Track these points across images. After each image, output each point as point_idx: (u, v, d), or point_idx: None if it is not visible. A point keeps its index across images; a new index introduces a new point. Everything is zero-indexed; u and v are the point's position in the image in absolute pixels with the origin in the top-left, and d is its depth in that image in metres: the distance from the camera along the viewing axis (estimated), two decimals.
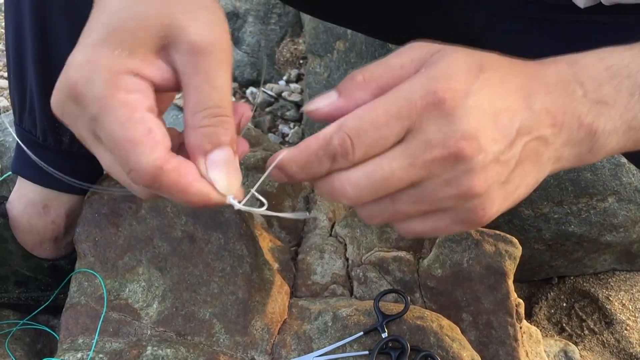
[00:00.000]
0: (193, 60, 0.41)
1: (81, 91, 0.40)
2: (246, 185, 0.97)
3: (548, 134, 0.42)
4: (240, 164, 0.95)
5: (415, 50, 0.43)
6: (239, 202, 0.43)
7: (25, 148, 0.77)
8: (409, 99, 0.39)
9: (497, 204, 0.42)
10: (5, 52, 1.71)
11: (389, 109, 0.39)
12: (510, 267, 0.84)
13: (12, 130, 0.81)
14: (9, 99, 1.59)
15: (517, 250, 0.85)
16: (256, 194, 0.45)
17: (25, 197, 0.82)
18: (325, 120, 0.43)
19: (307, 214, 0.89)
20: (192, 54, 0.41)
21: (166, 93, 0.45)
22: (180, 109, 1.58)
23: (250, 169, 0.96)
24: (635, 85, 0.44)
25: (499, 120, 0.40)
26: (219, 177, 0.42)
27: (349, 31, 1.27)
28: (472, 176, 0.40)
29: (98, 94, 0.39)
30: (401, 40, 1.13)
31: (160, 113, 0.45)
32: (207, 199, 0.41)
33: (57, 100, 0.43)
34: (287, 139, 1.57)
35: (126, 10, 0.41)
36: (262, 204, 0.45)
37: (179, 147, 0.46)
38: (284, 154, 0.41)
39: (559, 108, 0.43)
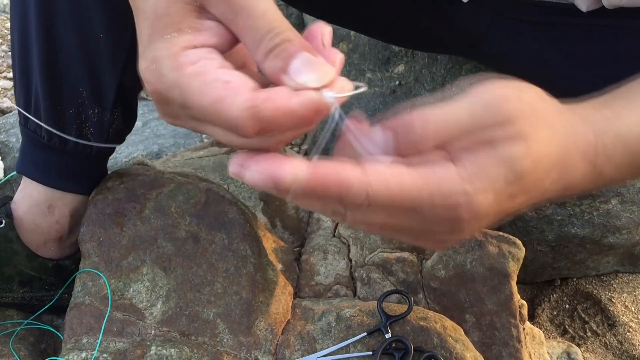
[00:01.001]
0: (226, 5, 0.40)
1: (162, 93, 0.40)
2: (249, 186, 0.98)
3: (553, 196, 0.44)
4: None
5: (488, 113, 0.41)
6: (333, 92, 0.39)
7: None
8: (432, 213, 0.39)
9: (467, 236, 0.44)
10: (9, 53, 1.71)
11: (415, 203, 0.39)
12: (514, 269, 0.84)
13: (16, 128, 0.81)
14: (13, 99, 1.59)
15: (521, 252, 0.86)
16: (351, 82, 0.40)
17: (30, 197, 0.82)
18: None
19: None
20: (224, 1, 0.40)
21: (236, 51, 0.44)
22: None
23: None
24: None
25: (505, 208, 0.41)
26: (309, 77, 0.38)
27: (352, 32, 1.27)
28: (462, 233, 0.41)
29: (171, 81, 0.39)
30: (404, 42, 1.13)
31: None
32: (314, 104, 0.37)
33: (157, 107, 0.43)
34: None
35: (156, 1, 0.41)
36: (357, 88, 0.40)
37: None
38: (297, 173, 0.37)
39: (572, 176, 0.44)
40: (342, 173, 0.37)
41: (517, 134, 0.39)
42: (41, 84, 0.75)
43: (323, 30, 0.41)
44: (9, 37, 1.76)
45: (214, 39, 0.41)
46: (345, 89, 0.39)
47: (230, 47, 0.42)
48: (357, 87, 0.40)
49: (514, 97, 0.40)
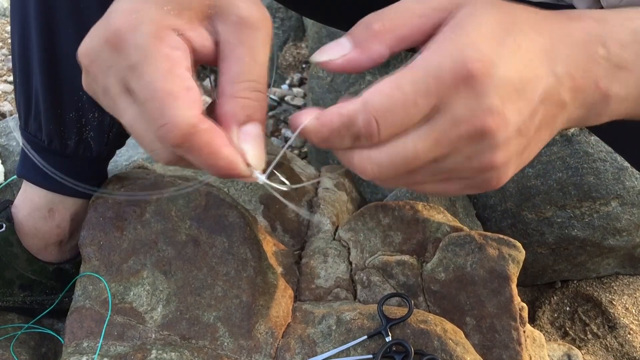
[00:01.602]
0: (239, 33, 0.41)
1: (124, 37, 0.39)
2: (249, 187, 0.97)
3: (567, 99, 0.41)
4: None
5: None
6: (262, 176, 0.43)
7: (30, 151, 0.78)
8: (438, 76, 0.37)
9: (511, 172, 0.42)
10: (9, 57, 1.72)
11: (418, 88, 0.38)
12: (514, 271, 0.84)
13: (17, 134, 0.81)
14: (13, 103, 1.60)
15: (521, 254, 0.86)
16: (277, 173, 0.44)
17: (30, 201, 0.82)
18: (337, 72, 0.41)
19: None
20: (239, 27, 0.41)
21: None
22: None
23: None
24: None
25: (525, 90, 0.39)
26: (250, 149, 0.41)
27: None
28: (495, 152, 0.39)
29: (142, 42, 0.39)
30: None
31: None
32: (234, 166, 0.40)
33: (90, 46, 0.42)
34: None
35: None
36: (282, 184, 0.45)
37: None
38: (306, 123, 0.40)
39: (579, 71, 0.41)
40: (342, 107, 0.39)
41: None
42: (41, 88, 0.75)
43: None
44: (9, 40, 1.77)
45: (198, 42, 0.42)
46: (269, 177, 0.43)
47: (201, 59, 0.43)
48: (281, 182, 0.44)
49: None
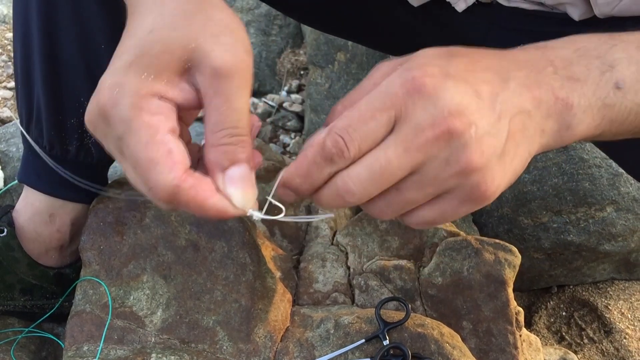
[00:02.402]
0: (214, 83, 0.43)
1: (109, 112, 0.42)
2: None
3: (529, 107, 0.43)
4: None
5: (385, 66, 0.45)
6: (259, 211, 0.46)
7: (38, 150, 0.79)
8: (389, 91, 0.41)
9: (497, 177, 0.43)
10: (8, 63, 1.72)
11: (372, 104, 0.41)
12: (510, 276, 0.85)
13: (22, 133, 0.82)
14: (13, 109, 1.60)
15: (517, 259, 0.87)
16: (274, 201, 0.47)
17: (31, 205, 0.83)
18: None
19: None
20: (213, 78, 0.43)
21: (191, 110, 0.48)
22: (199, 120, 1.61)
23: None
24: (605, 64, 0.46)
25: (481, 95, 0.41)
26: (235, 193, 0.44)
27: (349, 43, 1.28)
28: (468, 150, 0.41)
29: (124, 115, 0.42)
30: (401, 51, 1.15)
31: (186, 126, 0.48)
32: (223, 212, 0.44)
33: (90, 118, 0.45)
34: (288, 148, 1.58)
35: (153, 34, 0.43)
36: (280, 210, 0.47)
37: (199, 160, 0.48)
38: (284, 171, 0.43)
39: (533, 83, 0.44)
40: (311, 140, 0.43)
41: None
42: (43, 94, 0.76)
43: (255, 123, 0.49)
44: (9, 47, 1.78)
45: (180, 98, 0.45)
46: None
47: (190, 109, 0.46)
48: (275, 212, 0.47)
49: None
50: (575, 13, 0.71)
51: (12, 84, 1.68)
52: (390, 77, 0.42)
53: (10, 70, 1.72)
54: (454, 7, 0.80)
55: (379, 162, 0.41)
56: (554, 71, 0.45)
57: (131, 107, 0.42)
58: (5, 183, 1.23)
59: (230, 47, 0.44)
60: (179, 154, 0.43)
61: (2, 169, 1.28)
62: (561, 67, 0.45)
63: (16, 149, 1.34)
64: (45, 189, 0.81)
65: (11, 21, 1.84)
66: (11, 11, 1.84)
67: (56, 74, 0.75)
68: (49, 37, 0.73)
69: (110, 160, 0.85)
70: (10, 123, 1.50)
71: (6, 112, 1.57)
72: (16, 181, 1.15)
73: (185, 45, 0.43)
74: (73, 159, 0.79)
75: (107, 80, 0.43)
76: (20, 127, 0.80)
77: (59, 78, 0.75)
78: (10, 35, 1.81)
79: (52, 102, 0.76)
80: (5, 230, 0.81)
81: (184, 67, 0.44)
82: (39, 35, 0.73)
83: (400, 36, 0.95)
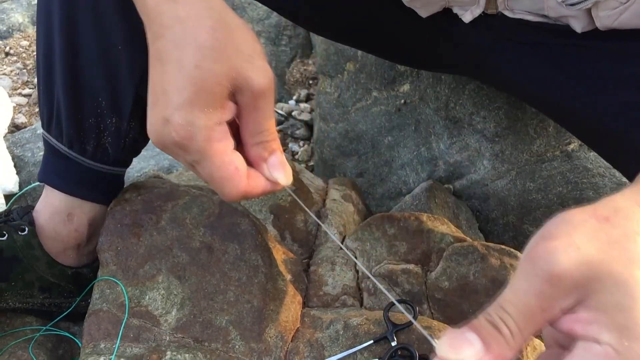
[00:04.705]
0: (254, 101, 0.55)
1: (187, 145, 0.53)
2: (260, 198, 1.01)
3: None
4: None
5: (555, 283, 0.38)
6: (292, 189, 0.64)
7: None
8: None
9: None
10: (23, 70, 1.76)
11: None
12: None
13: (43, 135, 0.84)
14: (28, 115, 1.64)
15: None
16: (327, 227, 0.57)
17: (51, 205, 0.85)
18: None
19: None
20: (253, 97, 0.54)
21: None
22: None
23: None
24: None
25: None
26: (279, 175, 0.59)
27: (359, 53, 1.31)
28: None
29: (200, 147, 0.53)
30: (408, 61, 1.17)
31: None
32: (273, 189, 0.59)
33: (162, 142, 0.54)
34: (297, 156, 1.61)
35: (201, 70, 0.51)
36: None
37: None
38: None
39: None
40: None
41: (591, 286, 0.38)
42: (63, 94, 0.79)
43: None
44: (24, 54, 1.82)
45: (231, 115, 0.55)
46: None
47: (233, 120, 0.56)
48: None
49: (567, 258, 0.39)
50: (578, 25, 0.73)
51: (27, 90, 1.72)
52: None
53: (25, 78, 1.75)
54: (460, 19, 0.83)
55: None
56: None
57: (204, 140, 0.52)
58: (21, 187, 1.26)
59: (262, 70, 0.54)
60: (242, 168, 0.55)
61: (17, 174, 1.31)
62: None
63: (31, 154, 1.37)
64: (64, 187, 0.84)
65: (26, 29, 1.88)
66: (26, 20, 1.89)
67: (76, 74, 0.78)
68: (69, 38, 0.77)
69: (126, 161, 0.88)
70: (26, 129, 1.53)
71: (21, 118, 1.60)
72: (32, 185, 1.18)
73: (229, 75, 0.52)
74: (90, 158, 0.82)
75: (176, 117, 0.52)
76: (42, 131, 0.84)
77: (79, 78, 0.78)
78: (25, 43, 1.85)
79: (71, 102, 0.79)
80: (27, 229, 0.84)
81: (230, 92, 0.53)
82: (60, 36, 0.77)
83: (408, 46, 0.97)
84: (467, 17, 0.82)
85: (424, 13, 0.85)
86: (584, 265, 0.36)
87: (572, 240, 0.37)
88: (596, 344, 0.36)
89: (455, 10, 0.83)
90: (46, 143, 0.84)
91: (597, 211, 0.39)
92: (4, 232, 0.83)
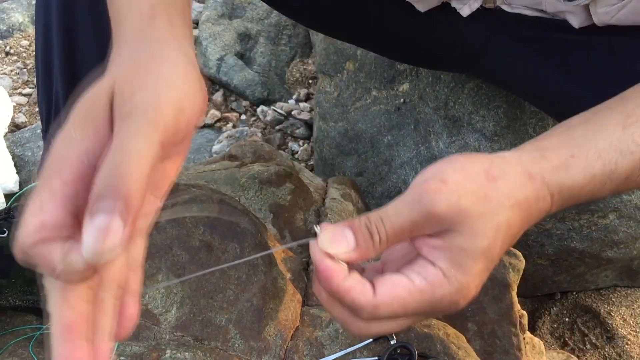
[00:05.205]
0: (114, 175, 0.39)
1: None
2: (259, 196, 1.01)
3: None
4: (255, 177, 0.99)
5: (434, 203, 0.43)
6: None
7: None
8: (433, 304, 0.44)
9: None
10: (24, 70, 1.76)
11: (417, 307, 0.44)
12: (514, 279, 0.88)
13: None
14: (28, 115, 1.64)
15: (521, 263, 0.89)
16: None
17: None
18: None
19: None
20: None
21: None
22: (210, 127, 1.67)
23: (264, 183, 1.00)
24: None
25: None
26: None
27: (358, 52, 1.31)
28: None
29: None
30: (406, 58, 1.17)
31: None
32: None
33: None
34: (296, 156, 1.61)
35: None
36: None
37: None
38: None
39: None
40: (352, 290, 0.44)
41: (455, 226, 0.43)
42: (62, 89, 0.79)
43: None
44: (24, 54, 1.82)
45: None
46: None
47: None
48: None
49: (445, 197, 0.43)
50: (575, 21, 0.74)
51: (27, 90, 1.72)
52: (443, 293, 0.43)
53: (26, 77, 1.75)
54: (459, 13, 0.83)
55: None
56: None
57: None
58: (21, 186, 1.27)
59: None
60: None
61: (17, 173, 1.32)
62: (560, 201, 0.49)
63: (31, 153, 1.37)
64: None
65: (26, 29, 1.88)
66: (26, 19, 1.89)
67: (74, 69, 0.78)
68: (68, 33, 0.77)
69: None
70: (26, 128, 1.53)
71: (21, 118, 1.61)
72: (32, 184, 1.19)
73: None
74: None
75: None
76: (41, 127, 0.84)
77: (77, 73, 0.78)
78: (25, 42, 1.85)
79: (70, 97, 0.79)
80: None
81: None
82: (59, 31, 0.77)
83: (406, 41, 0.97)
84: (465, 10, 0.82)
85: (422, 7, 0.85)
86: (457, 212, 0.42)
87: (458, 188, 0.43)
88: (431, 265, 0.43)
89: (454, 4, 0.83)
90: (45, 140, 0.84)
91: (490, 169, 0.44)
92: (5, 229, 0.83)
